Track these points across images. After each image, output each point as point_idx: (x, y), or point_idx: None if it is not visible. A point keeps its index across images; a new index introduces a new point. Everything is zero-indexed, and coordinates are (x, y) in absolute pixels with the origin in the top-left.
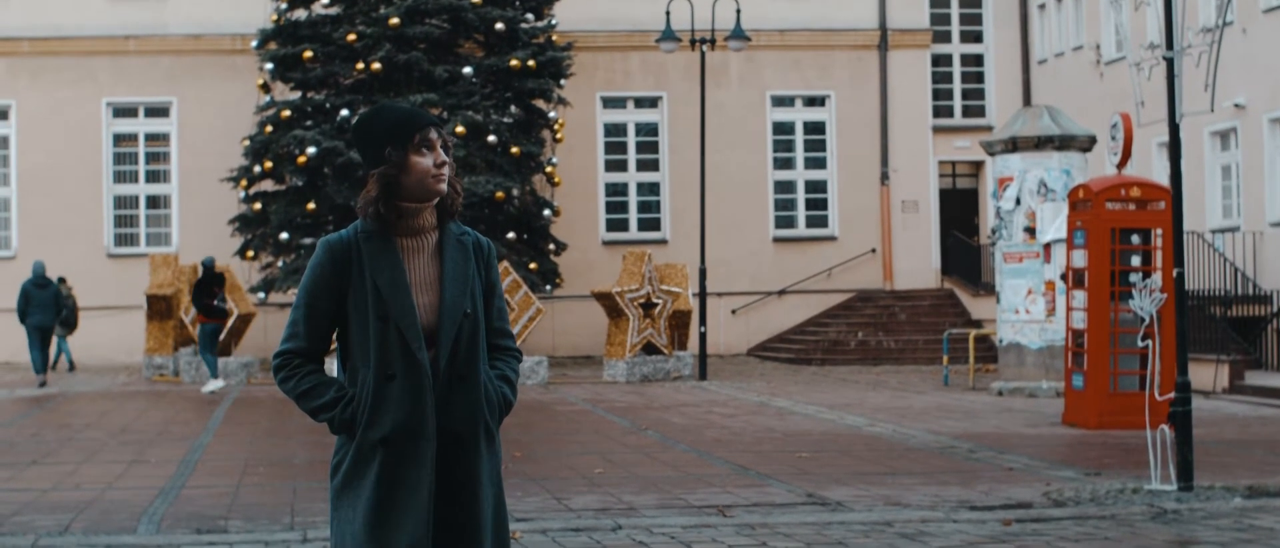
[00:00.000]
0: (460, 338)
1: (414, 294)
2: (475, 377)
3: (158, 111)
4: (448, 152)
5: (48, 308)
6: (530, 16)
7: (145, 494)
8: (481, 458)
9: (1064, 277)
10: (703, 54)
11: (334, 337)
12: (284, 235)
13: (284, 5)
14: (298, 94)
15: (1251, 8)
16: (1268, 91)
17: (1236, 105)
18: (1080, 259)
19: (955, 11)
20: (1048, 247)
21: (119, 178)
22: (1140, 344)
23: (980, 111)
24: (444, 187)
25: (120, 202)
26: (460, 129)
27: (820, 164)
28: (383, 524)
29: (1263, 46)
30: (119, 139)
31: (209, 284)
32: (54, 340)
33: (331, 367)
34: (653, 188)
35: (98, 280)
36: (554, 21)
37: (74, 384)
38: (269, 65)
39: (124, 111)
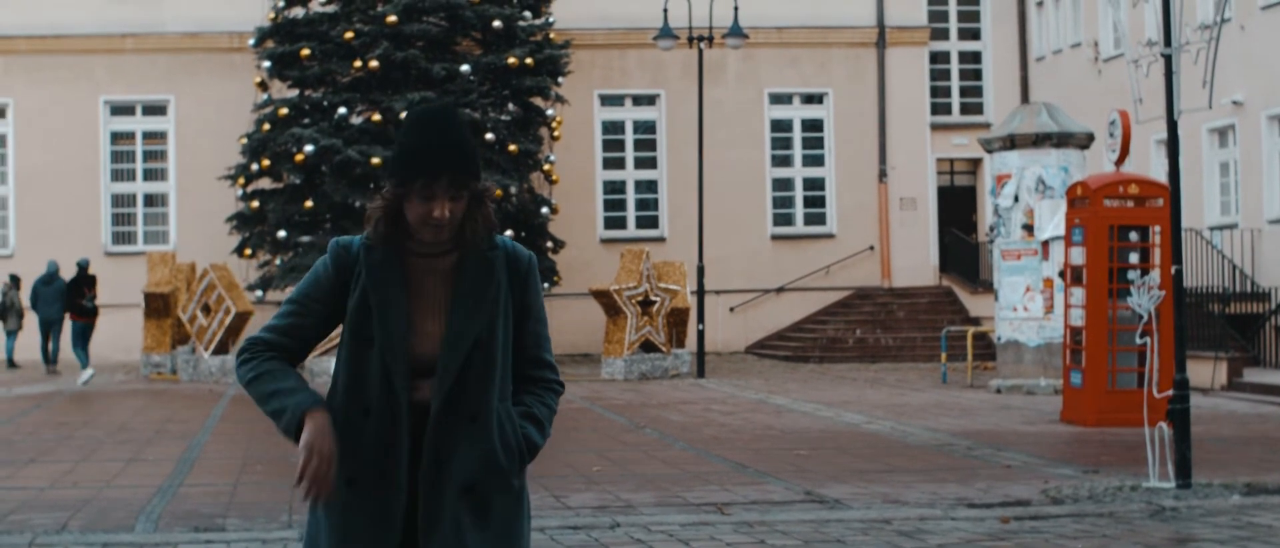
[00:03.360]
0: (469, 371)
1: (414, 318)
2: (486, 416)
3: (155, 110)
4: (469, 197)
5: (53, 303)
6: (528, 14)
7: (143, 493)
8: (492, 514)
9: (1062, 274)
10: (700, 51)
11: (317, 345)
12: (281, 233)
13: (281, 3)
14: (295, 92)
15: (1249, 4)
16: (1266, 88)
17: (1235, 102)
18: (1078, 256)
19: (953, 9)
20: (1046, 244)
21: (116, 176)
22: (1138, 342)
23: (978, 109)
24: (435, 237)
25: (118, 200)
26: None
27: (818, 162)
28: None
29: (1261, 43)
30: (116, 137)
31: (80, 284)
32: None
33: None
34: (650, 185)
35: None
36: (551, 19)
37: (70, 383)
38: (266, 63)
39: (121, 110)
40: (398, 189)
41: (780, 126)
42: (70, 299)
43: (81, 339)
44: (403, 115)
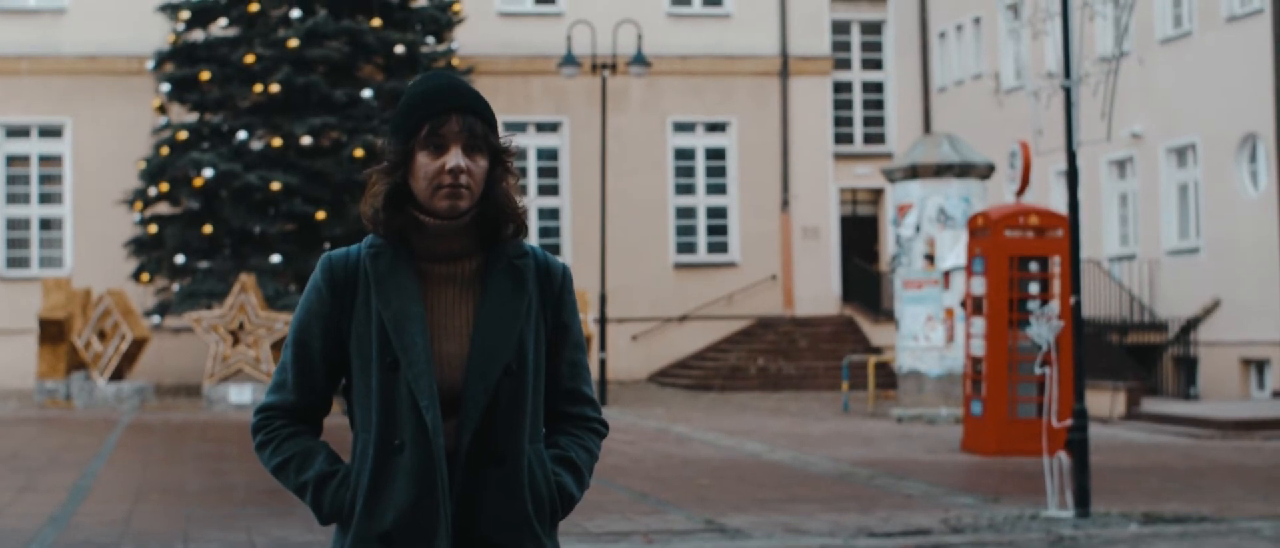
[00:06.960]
0: (497, 405)
1: (433, 340)
2: (516, 459)
3: (51, 132)
4: (489, 151)
5: None
6: (430, 40)
7: (35, 522)
8: None
9: (963, 304)
10: (604, 79)
11: (336, 389)
12: (180, 258)
13: (181, 26)
14: (195, 116)
15: (1148, 38)
16: (1164, 121)
17: (1133, 135)
18: (979, 286)
19: (856, 39)
20: (947, 274)
21: (11, 199)
22: (1038, 371)
23: (881, 139)
24: (452, 203)
25: (12, 224)
26: (359, 152)
27: (721, 190)
28: None
29: (1159, 77)
30: (11, 160)
31: None
32: None
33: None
34: (553, 213)
35: None
36: (455, 46)
37: None
38: (166, 87)
39: (16, 132)
40: (399, 151)
41: (683, 155)
42: None
43: None
44: (304, 140)
